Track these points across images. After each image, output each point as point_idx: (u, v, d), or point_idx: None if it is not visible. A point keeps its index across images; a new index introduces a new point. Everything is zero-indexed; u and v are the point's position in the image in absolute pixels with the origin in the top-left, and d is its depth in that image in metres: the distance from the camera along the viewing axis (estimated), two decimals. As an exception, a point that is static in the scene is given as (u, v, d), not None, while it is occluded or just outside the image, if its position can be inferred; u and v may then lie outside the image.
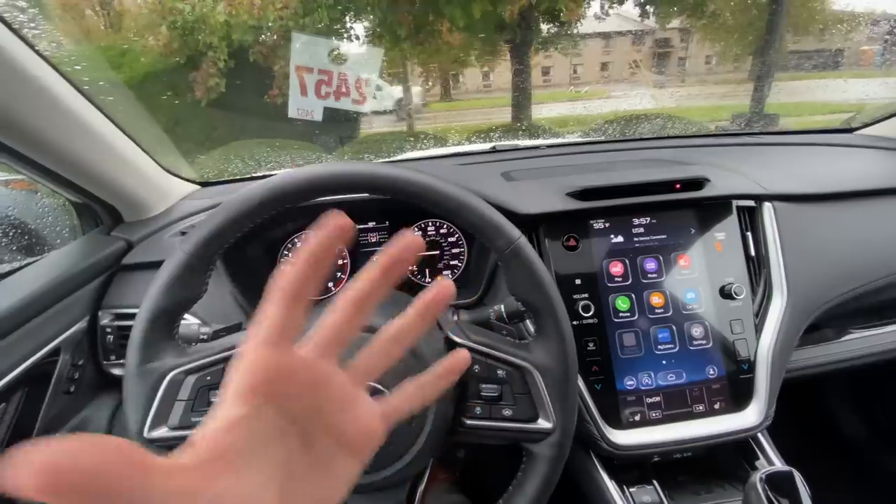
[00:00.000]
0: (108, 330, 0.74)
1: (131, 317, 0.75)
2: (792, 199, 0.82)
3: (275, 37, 3.23)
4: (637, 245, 0.77)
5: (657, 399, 0.75)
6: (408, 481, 0.52)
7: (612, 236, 0.76)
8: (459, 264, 0.91)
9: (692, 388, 0.75)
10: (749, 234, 0.79)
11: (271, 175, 1.04)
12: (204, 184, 1.02)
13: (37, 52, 0.57)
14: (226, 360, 0.49)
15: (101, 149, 0.70)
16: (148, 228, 0.83)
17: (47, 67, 0.59)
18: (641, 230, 0.77)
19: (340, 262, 0.90)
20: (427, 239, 0.91)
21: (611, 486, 0.72)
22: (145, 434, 0.47)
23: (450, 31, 3.49)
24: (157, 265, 0.78)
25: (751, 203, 0.80)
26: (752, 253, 0.79)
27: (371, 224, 0.91)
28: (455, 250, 0.91)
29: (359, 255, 0.91)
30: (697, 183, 0.77)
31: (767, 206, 0.80)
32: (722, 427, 0.73)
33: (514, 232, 0.49)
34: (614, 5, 3.85)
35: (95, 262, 0.73)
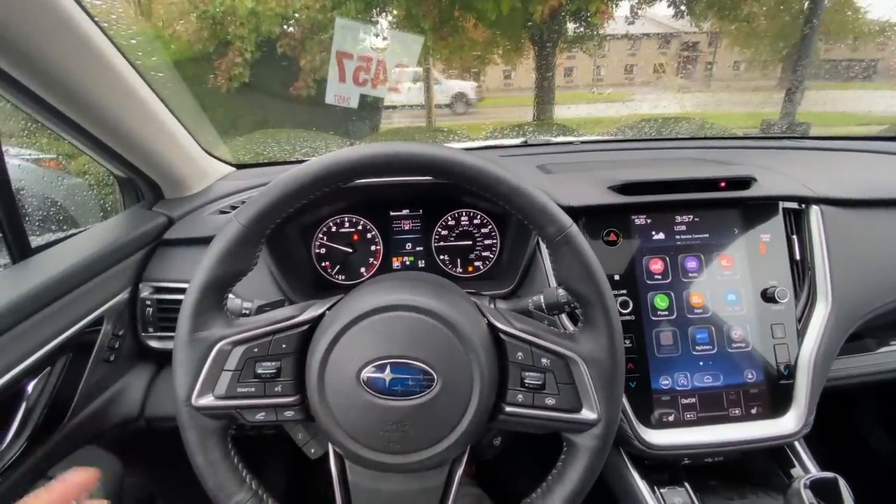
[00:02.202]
0: (148, 302, 0.75)
1: (170, 290, 0.77)
2: (840, 204, 0.80)
3: (302, 29, 3.25)
4: (678, 243, 0.75)
5: (692, 400, 0.73)
6: (446, 464, 0.52)
7: (654, 233, 0.75)
8: (491, 256, 0.90)
9: (729, 392, 0.74)
10: (795, 237, 0.77)
11: (306, 160, 1.05)
12: (239, 166, 1.04)
13: (101, 27, 0.58)
14: (272, 332, 0.49)
15: (152, 125, 0.71)
16: (187, 206, 0.84)
17: (109, 43, 0.60)
18: (683, 228, 0.76)
19: (373, 248, 0.90)
20: (460, 229, 0.90)
21: (641, 485, 0.71)
22: (193, 401, 0.47)
23: (475, 26, 3.48)
24: (195, 241, 0.81)
25: (797, 205, 0.78)
26: (798, 257, 0.77)
27: (405, 211, 0.91)
28: (487, 241, 0.90)
29: (392, 241, 0.91)
30: (744, 182, 0.75)
31: (815, 210, 0.78)
32: (758, 433, 0.72)
33: (566, 219, 0.49)
34: (644, 7, 3.79)
35: (138, 235, 0.75)
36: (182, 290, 0.76)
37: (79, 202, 1.17)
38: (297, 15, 3.19)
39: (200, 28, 3.35)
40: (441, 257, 0.91)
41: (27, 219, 0.70)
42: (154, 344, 0.77)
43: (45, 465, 0.65)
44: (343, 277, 0.90)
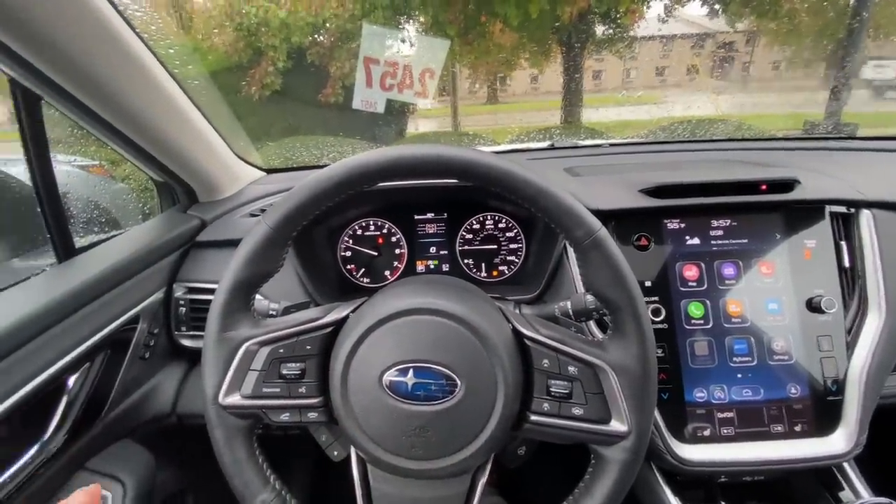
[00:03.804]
0: (181, 302, 0.78)
1: (202, 290, 0.79)
2: (894, 208, 0.75)
3: (331, 38, 3.33)
4: (715, 248, 0.72)
5: (730, 415, 0.69)
6: (469, 472, 0.51)
7: (688, 238, 0.72)
8: (517, 260, 0.89)
9: (770, 407, 0.69)
10: (843, 243, 0.73)
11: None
12: (269, 170, 1.06)
13: (143, 39, 0.61)
14: (297, 334, 0.50)
15: (189, 132, 0.74)
16: (220, 209, 0.86)
17: (150, 54, 0.63)
18: (720, 233, 0.72)
19: (398, 251, 0.90)
20: (485, 233, 0.89)
21: (674, 502, 0.68)
22: (220, 400, 0.48)
23: (501, 31, 3.47)
24: (227, 243, 0.83)
25: (846, 209, 0.74)
26: (847, 264, 0.72)
27: (429, 215, 0.91)
28: (513, 246, 0.89)
29: (416, 244, 0.91)
30: (786, 185, 0.71)
31: (866, 214, 0.73)
32: (803, 452, 0.67)
33: (595, 223, 0.47)
34: (676, 7, 3.68)
35: (173, 237, 0.77)
36: (213, 291, 0.78)
37: (120, 205, 1.23)
38: (326, 24, 3.27)
39: (236, 39, 3.49)
40: (465, 261, 0.90)
41: (72, 221, 0.74)
42: (186, 343, 0.79)
43: (83, 457, 0.67)
44: (368, 280, 0.91)
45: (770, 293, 0.71)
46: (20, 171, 0.76)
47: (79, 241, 0.71)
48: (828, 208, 0.73)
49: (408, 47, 0.99)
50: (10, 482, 0.55)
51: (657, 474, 0.70)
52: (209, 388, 0.49)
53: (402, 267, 0.91)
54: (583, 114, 3.29)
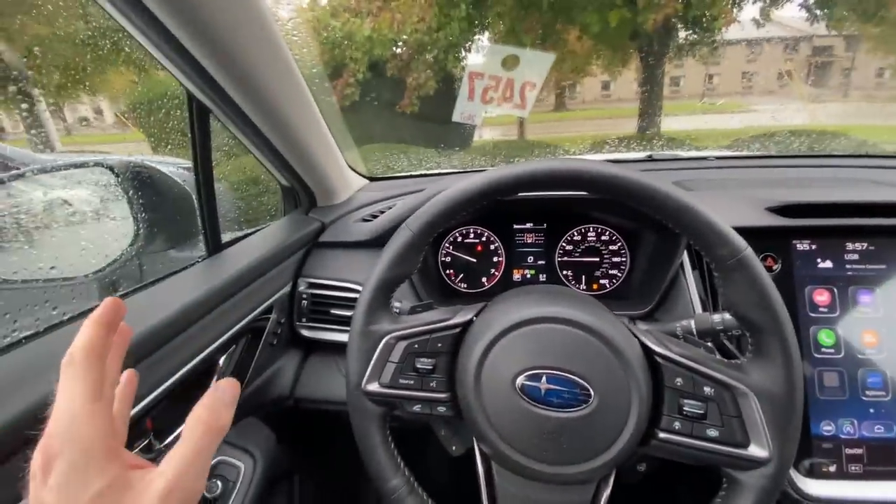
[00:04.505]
0: (304, 296, 0.86)
1: (322, 286, 0.86)
2: None
3: (409, 51, 3.48)
4: (850, 273, 0.67)
5: (859, 451, 0.65)
6: (594, 482, 0.52)
7: (819, 260, 0.68)
8: (619, 274, 0.88)
9: None
10: None
11: (432, 173, 1.11)
12: (372, 178, 1.14)
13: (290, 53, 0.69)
14: (430, 332, 0.53)
15: (319, 141, 0.82)
16: (336, 213, 0.94)
17: (295, 65, 0.71)
18: (856, 257, 0.68)
19: (496, 259, 0.93)
20: (586, 244, 0.90)
21: None
22: (363, 386, 0.53)
23: (577, 39, 3.43)
24: (344, 245, 0.90)
25: None
26: None
27: (528, 225, 0.93)
28: (616, 259, 0.88)
29: (514, 254, 0.93)
30: None
31: None
32: None
33: (741, 242, 0.46)
34: (772, 9, 3.44)
35: (300, 237, 0.86)
36: (332, 287, 0.86)
37: (228, 205, 1.37)
38: (406, 37, 3.42)
39: (322, 52, 3.74)
40: (564, 272, 0.91)
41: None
42: (305, 332, 0.87)
43: None
44: (465, 286, 0.94)
45: (913, 325, 0.65)
46: (174, 172, 0.88)
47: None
48: None
49: (513, 61, 1.02)
50: (170, 446, 0.63)
51: None
52: (354, 375, 0.53)
53: (498, 275, 0.93)
54: (662, 122, 3.16)
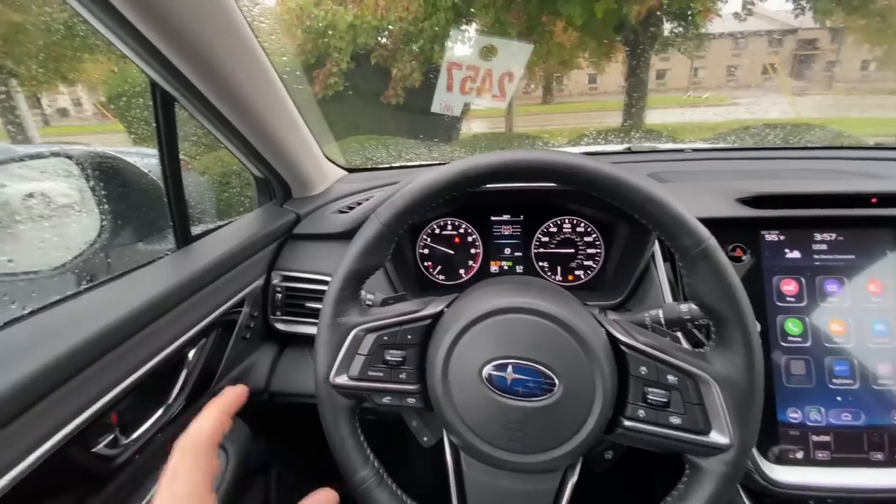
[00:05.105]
0: (278, 289, 0.84)
1: (297, 279, 0.85)
2: None
3: (394, 40, 3.44)
4: (817, 263, 0.68)
5: (826, 438, 0.66)
6: (561, 470, 0.52)
7: (787, 251, 0.69)
8: (594, 265, 0.88)
9: (871, 433, 0.65)
10: None
11: (412, 165, 1.10)
12: (350, 169, 1.12)
13: (261, 44, 0.67)
14: (400, 323, 0.53)
15: (293, 131, 0.81)
16: (312, 205, 0.93)
17: (266, 58, 0.69)
18: (824, 247, 0.68)
19: (473, 251, 0.93)
20: (562, 236, 0.90)
21: None
22: (331, 379, 0.52)
23: (563, 31, 3.42)
24: (320, 237, 0.89)
25: None
26: None
27: (505, 217, 0.93)
28: (591, 251, 0.89)
29: (491, 245, 0.93)
30: None
31: None
32: None
33: (705, 232, 0.46)
34: (755, 2, 3.46)
35: (273, 229, 0.84)
36: (307, 280, 0.84)
37: (203, 197, 1.34)
38: (390, 27, 3.37)
39: (305, 41, 3.67)
40: (540, 264, 0.91)
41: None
42: (279, 326, 0.86)
43: None
44: (443, 278, 0.94)
45: (877, 314, 0.67)
46: (145, 164, 0.86)
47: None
48: None
49: (491, 52, 1.01)
50: (137, 441, 0.62)
51: (743, 495, 0.67)
52: (321, 368, 0.53)
53: (476, 266, 0.93)
54: (646, 115, 3.17)
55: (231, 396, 0.45)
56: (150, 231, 0.83)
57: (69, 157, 0.74)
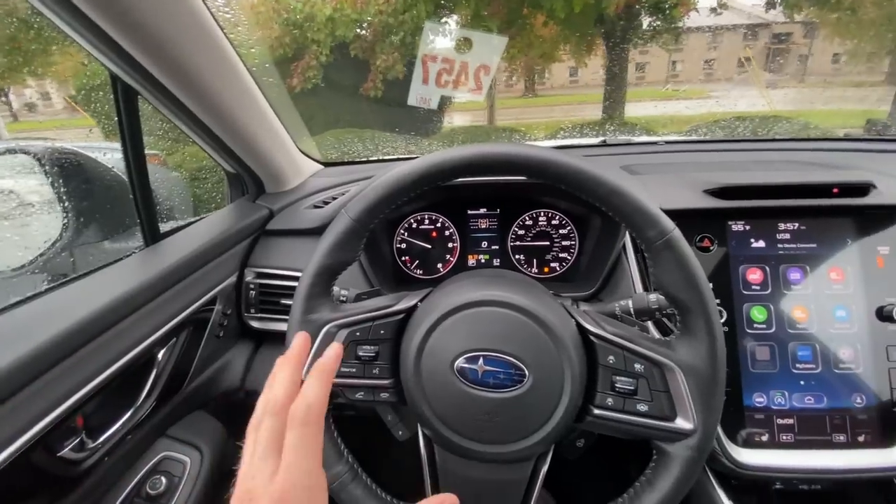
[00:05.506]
0: (251, 286, 0.83)
1: (271, 276, 0.84)
2: None
3: (374, 32, 3.39)
4: (781, 252, 0.70)
5: (790, 421, 0.68)
6: (532, 459, 0.53)
7: (753, 240, 0.71)
8: (569, 257, 0.89)
9: (833, 416, 0.68)
10: None
11: (387, 159, 1.09)
12: (326, 164, 1.11)
13: (226, 35, 0.66)
14: (373, 319, 0.53)
15: (263, 125, 0.79)
16: (285, 200, 0.91)
17: (233, 51, 0.67)
18: (787, 236, 0.71)
19: (450, 245, 0.93)
20: (537, 229, 0.90)
21: None
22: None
23: (543, 24, 3.42)
24: (294, 233, 0.88)
25: None
26: None
27: (482, 210, 0.93)
28: (565, 243, 0.89)
29: (468, 239, 0.93)
30: (861, 188, 0.69)
31: None
32: (865, 462, 0.66)
33: (668, 223, 0.47)
34: (731, -4, 3.52)
35: (246, 225, 0.83)
36: (281, 276, 0.83)
37: (174, 193, 1.31)
38: (369, 19, 3.32)
39: (283, 34, 3.59)
40: (517, 257, 0.91)
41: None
42: (254, 324, 0.84)
43: (165, 424, 0.74)
44: (421, 272, 0.94)
45: (838, 300, 0.69)
46: (110, 160, 0.83)
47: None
48: None
49: (465, 44, 1.00)
50: (105, 443, 0.61)
51: (711, 477, 0.70)
52: None
53: (454, 260, 0.93)
54: (625, 108, 3.21)
55: (332, 358, 0.46)
56: (117, 229, 0.80)
57: (27, 153, 0.71)
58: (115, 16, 0.52)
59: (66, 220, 0.74)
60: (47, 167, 0.72)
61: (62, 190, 0.73)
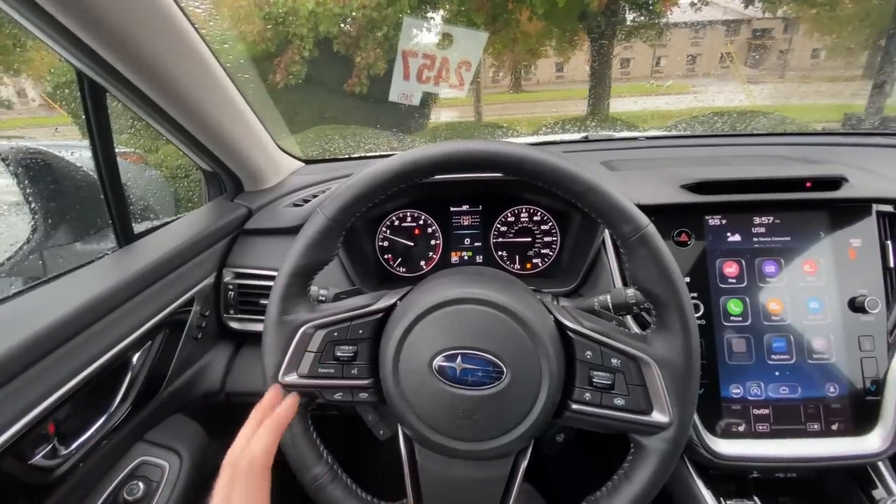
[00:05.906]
0: (230, 287, 0.82)
1: (250, 276, 0.82)
2: None
3: (358, 27, 3.35)
4: (756, 246, 0.71)
5: (765, 411, 0.70)
6: (512, 455, 0.53)
7: (729, 234, 0.72)
8: (551, 253, 0.90)
9: (807, 405, 0.69)
10: (889, 242, 0.71)
11: (370, 156, 1.08)
12: (308, 161, 1.09)
13: (198, 31, 0.64)
14: (350, 318, 0.52)
15: (238, 123, 0.77)
16: (265, 198, 0.90)
17: (206, 48, 0.66)
18: (762, 230, 0.72)
19: (433, 242, 0.92)
20: (519, 226, 0.91)
21: (707, 495, 0.69)
22: (280, 378, 0.51)
23: (528, 19, 3.42)
24: (273, 232, 0.86)
25: (894, 209, 0.72)
26: (892, 264, 0.71)
27: (464, 207, 0.92)
28: (547, 239, 0.90)
29: (451, 236, 0.92)
30: (833, 182, 0.70)
31: None
32: (838, 450, 0.67)
33: (643, 219, 0.48)
34: (712, -8, 3.56)
35: (223, 225, 0.81)
36: (260, 276, 0.82)
37: (155, 191, 1.28)
38: (353, 13, 3.28)
39: (264, 29, 3.53)
40: (499, 253, 0.91)
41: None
42: (234, 325, 0.83)
43: (142, 429, 0.72)
44: (404, 270, 0.93)
45: (812, 292, 0.71)
46: (79, 159, 0.80)
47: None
48: (875, 207, 0.71)
49: (446, 39, 1.00)
50: (79, 450, 0.59)
51: (690, 467, 0.71)
52: (269, 368, 0.52)
53: (436, 258, 0.93)
54: (610, 103, 3.23)
55: (284, 411, 0.47)
56: (88, 230, 0.78)
57: (-9, 152, 0.69)
58: (77, 12, 0.50)
59: (34, 222, 0.71)
60: (12, 167, 0.70)
61: (29, 191, 0.70)
